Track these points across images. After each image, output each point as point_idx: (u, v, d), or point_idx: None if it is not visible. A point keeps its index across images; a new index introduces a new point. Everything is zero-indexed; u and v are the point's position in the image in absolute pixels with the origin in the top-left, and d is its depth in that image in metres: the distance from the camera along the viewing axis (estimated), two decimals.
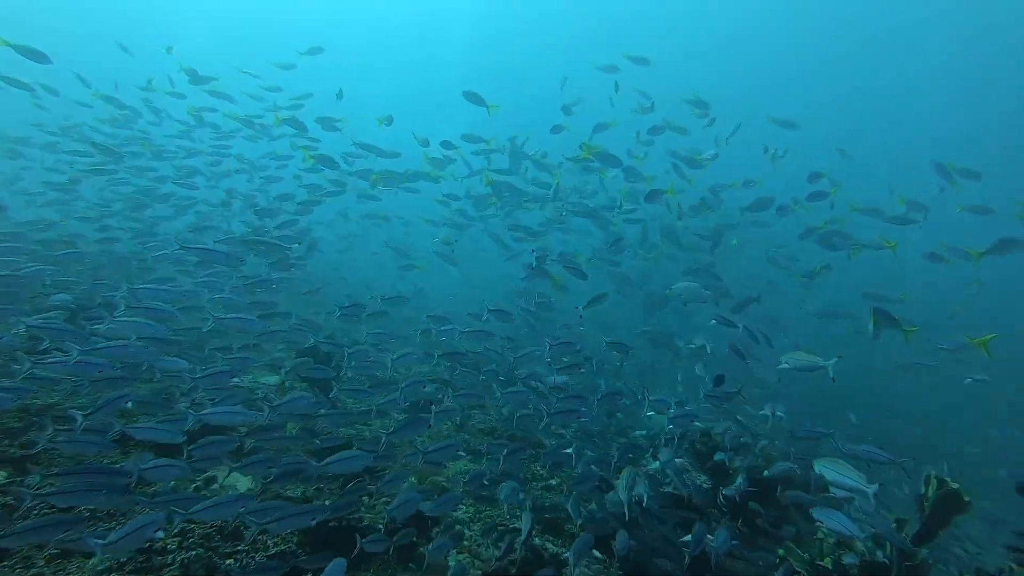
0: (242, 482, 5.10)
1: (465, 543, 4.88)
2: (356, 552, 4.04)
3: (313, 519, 3.93)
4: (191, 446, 4.30)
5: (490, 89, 11.42)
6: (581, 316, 7.54)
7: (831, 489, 4.05)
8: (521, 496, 4.85)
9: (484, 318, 7.42)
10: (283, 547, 4.35)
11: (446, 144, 10.58)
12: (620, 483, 4.58)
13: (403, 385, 5.80)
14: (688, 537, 4.65)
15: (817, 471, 3.90)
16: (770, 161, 9.73)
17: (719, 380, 6.57)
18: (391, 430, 5.09)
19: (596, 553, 4.74)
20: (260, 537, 4.37)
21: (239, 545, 4.27)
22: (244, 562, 4.11)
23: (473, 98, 10.47)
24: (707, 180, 11.91)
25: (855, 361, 16.61)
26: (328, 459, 4.38)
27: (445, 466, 6.07)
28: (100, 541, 3.19)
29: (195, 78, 11.37)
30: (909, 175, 15.07)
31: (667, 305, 13.08)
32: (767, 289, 15.68)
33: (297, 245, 6.58)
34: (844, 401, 14.47)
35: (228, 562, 4.11)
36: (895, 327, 6.12)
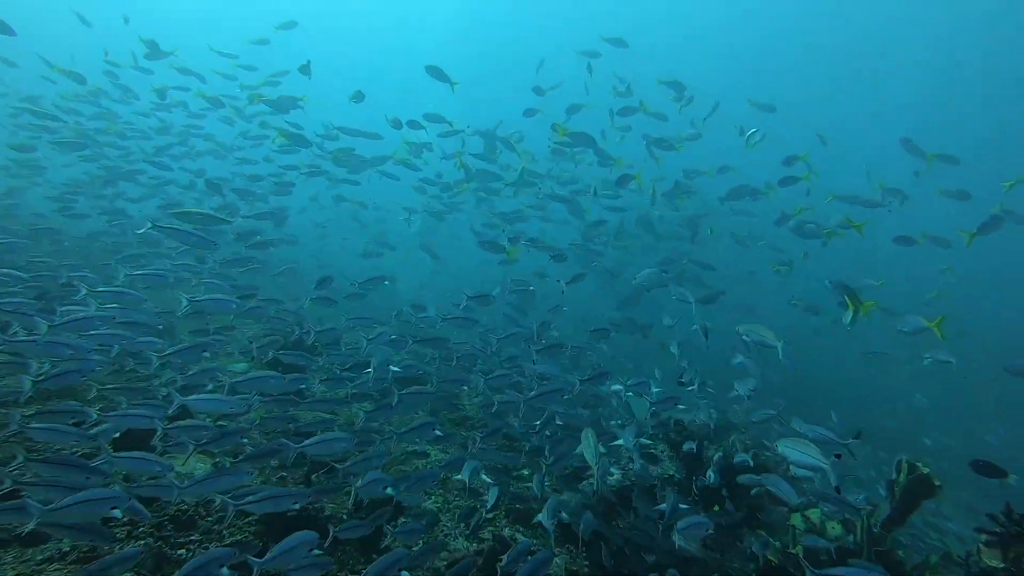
0: (199, 470, 4.90)
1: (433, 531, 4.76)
2: (329, 541, 3.86)
3: (295, 503, 3.80)
4: (168, 426, 4.18)
5: (476, 78, 11.16)
6: (563, 292, 7.69)
7: (792, 469, 4.01)
8: (484, 476, 4.72)
9: (463, 305, 7.28)
10: (239, 537, 4.17)
11: (413, 124, 10.24)
12: (584, 445, 4.47)
13: (373, 362, 5.66)
14: (662, 506, 4.62)
15: (779, 451, 3.85)
16: (745, 144, 9.64)
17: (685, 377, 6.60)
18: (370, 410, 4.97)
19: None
20: (215, 527, 4.20)
21: (192, 535, 4.09)
22: (197, 553, 3.93)
23: (436, 73, 10.21)
24: (685, 166, 11.80)
25: (833, 353, 16.79)
26: (308, 441, 4.24)
27: (428, 455, 5.98)
28: (38, 506, 2.98)
29: (154, 52, 10.80)
30: (887, 164, 15.15)
31: (640, 301, 13.06)
32: (745, 278, 15.69)
33: (242, 219, 6.35)
34: (824, 394, 14.62)
35: (180, 552, 3.93)
36: (854, 301, 6.20)
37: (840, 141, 15.65)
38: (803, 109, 30.50)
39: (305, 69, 10.42)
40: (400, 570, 3.45)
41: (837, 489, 3.59)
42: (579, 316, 13.37)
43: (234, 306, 5.88)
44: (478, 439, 5.21)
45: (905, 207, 10.24)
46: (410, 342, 6.67)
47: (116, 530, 3.87)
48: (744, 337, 4.44)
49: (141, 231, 5.80)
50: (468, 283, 15.55)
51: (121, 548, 3.72)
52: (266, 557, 3.18)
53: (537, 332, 7.18)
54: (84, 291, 5.64)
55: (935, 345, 7.35)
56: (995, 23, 28.41)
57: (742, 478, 5.04)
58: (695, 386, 6.90)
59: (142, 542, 3.85)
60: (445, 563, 4.36)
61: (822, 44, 35.98)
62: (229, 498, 3.59)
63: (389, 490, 4.25)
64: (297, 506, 3.81)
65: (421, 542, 4.55)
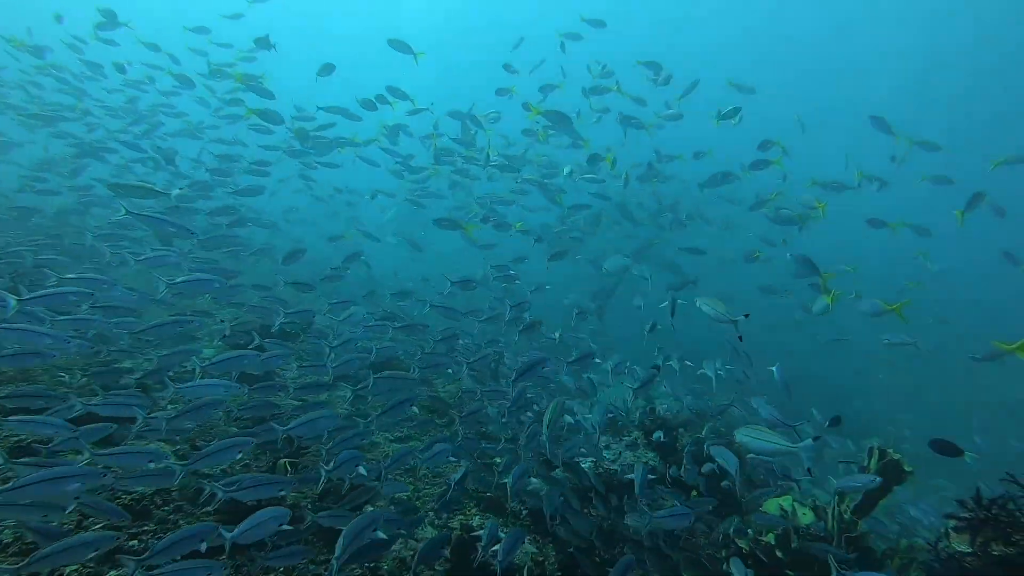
0: None
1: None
2: (307, 525, 3.85)
3: (281, 490, 3.76)
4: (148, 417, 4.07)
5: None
6: (548, 269, 8.04)
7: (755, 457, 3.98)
8: (453, 458, 4.62)
9: (448, 291, 7.15)
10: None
11: (380, 98, 9.93)
12: (545, 418, 4.39)
13: (333, 342, 5.55)
14: (631, 475, 4.58)
15: (738, 440, 3.79)
16: (716, 120, 9.49)
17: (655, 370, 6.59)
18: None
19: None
20: (171, 516, 4.06)
21: (146, 524, 3.94)
22: (149, 544, 3.77)
23: (399, 46, 9.94)
24: (663, 150, 11.60)
25: (811, 342, 16.87)
26: (294, 422, 4.19)
27: (411, 439, 5.89)
28: None
29: (111, 22, 10.23)
30: (867, 152, 15.21)
31: (614, 292, 13.03)
32: (728, 267, 15.68)
33: (180, 191, 6.13)
34: (804, 384, 14.68)
35: (132, 543, 3.77)
36: (816, 274, 6.28)
37: (815, 125, 15.56)
38: (794, 104, 30.50)
39: (263, 42, 10.03)
40: (375, 530, 3.49)
41: (809, 471, 3.55)
42: (559, 306, 13.28)
43: (216, 284, 5.71)
44: (457, 419, 5.18)
45: (887, 194, 10.22)
46: (391, 329, 6.56)
47: (66, 521, 3.71)
48: (703, 308, 4.37)
49: (116, 218, 5.59)
50: (444, 270, 15.33)
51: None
52: (237, 530, 3.14)
53: (513, 313, 7.06)
54: (55, 278, 5.41)
55: (903, 330, 7.36)
56: (979, 11, 28.55)
57: (705, 468, 5.03)
58: (676, 370, 6.89)
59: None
60: (411, 552, 4.26)
61: (805, 32, 36.05)
62: (220, 486, 3.50)
63: (361, 469, 4.19)
64: (284, 493, 3.77)
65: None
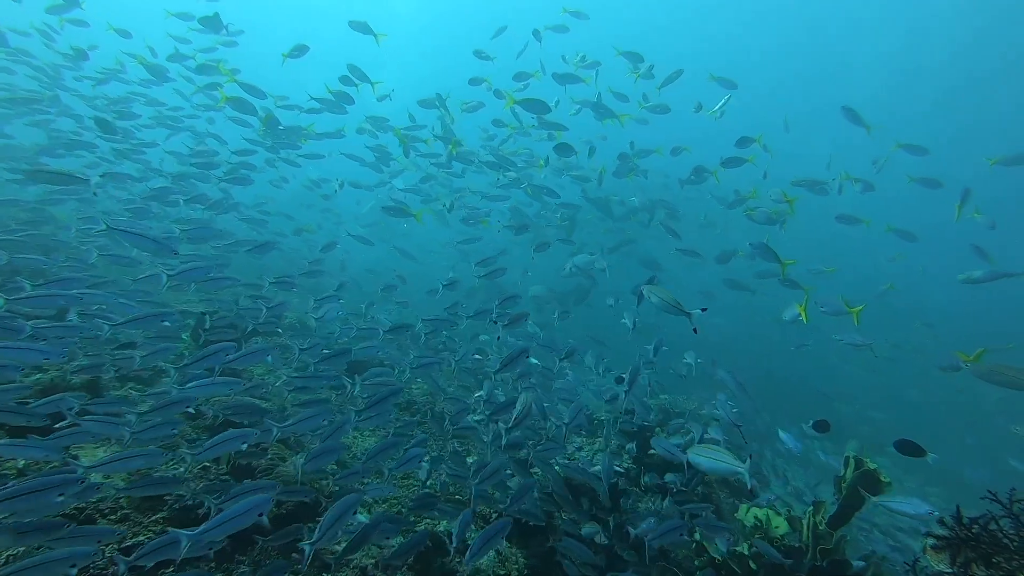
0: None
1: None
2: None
3: (272, 494, 3.61)
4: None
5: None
6: (533, 259, 8.18)
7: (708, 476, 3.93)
8: (427, 464, 4.48)
9: (439, 293, 7.16)
10: (143, 537, 3.82)
11: (345, 79, 9.62)
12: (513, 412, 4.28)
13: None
14: (597, 468, 4.51)
15: (692, 461, 3.70)
16: (695, 111, 9.30)
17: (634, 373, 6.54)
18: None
19: None
20: (115, 527, 3.83)
21: None
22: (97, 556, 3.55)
23: (359, 27, 9.72)
24: (642, 145, 11.43)
25: (794, 347, 16.86)
26: (291, 419, 4.21)
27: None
28: None
29: (69, 3, 9.77)
30: (853, 153, 15.15)
31: (588, 296, 12.95)
32: (706, 265, 15.63)
33: (100, 178, 5.87)
34: (792, 387, 14.68)
35: None
36: (775, 260, 6.30)
37: (800, 126, 15.55)
38: (779, 103, 30.53)
39: (207, 21, 9.70)
40: (355, 513, 3.49)
41: (752, 491, 3.49)
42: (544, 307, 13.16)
43: (231, 281, 5.67)
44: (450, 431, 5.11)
45: (873, 196, 10.16)
46: (380, 332, 6.56)
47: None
48: (651, 299, 4.26)
49: (96, 231, 5.47)
50: (422, 266, 15.09)
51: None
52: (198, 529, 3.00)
53: (499, 308, 6.91)
54: (28, 286, 5.16)
55: (858, 332, 7.38)
56: (961, 17, 28.75)
57: (668, 477, 4.98)
58: (653, 358, 6.81)
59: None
60: (372, 561, 4.08)
61: (790, 36, 36.19)
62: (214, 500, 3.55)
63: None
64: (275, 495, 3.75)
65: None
